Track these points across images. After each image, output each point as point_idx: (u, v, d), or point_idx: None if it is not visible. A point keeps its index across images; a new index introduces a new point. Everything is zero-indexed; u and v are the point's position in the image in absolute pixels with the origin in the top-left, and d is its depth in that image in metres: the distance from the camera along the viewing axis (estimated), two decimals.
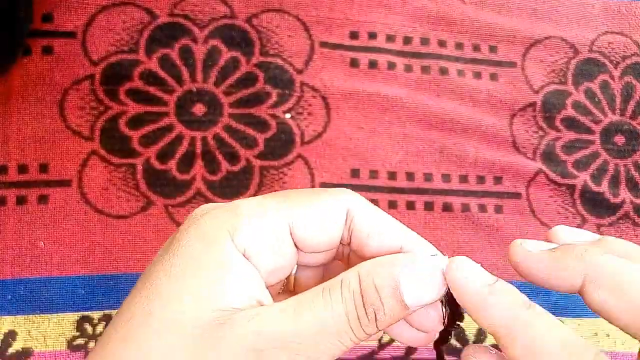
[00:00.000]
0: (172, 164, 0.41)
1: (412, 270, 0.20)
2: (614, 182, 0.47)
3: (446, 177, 0.45)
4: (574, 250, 0.20)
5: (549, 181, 0.46)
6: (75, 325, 0.38)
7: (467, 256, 0.20)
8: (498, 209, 0.45)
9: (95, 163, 0.41)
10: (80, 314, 0.39)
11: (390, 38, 0.46)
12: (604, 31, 0.50)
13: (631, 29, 0.50)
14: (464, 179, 0.45)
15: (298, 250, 0.23)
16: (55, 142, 0.41)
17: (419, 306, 0.20)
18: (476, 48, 0.48)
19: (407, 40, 0.47)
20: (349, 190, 0.23)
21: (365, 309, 0.19)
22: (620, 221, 0.46)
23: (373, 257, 0.21)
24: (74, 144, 0.41)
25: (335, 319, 0.19)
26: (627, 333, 0.19)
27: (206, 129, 0.42)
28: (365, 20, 0.46)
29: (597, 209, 0.46)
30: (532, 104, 0.47)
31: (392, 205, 0.44)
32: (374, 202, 0.43)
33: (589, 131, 0.47)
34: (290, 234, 0.22)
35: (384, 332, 0.22)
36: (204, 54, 0.43)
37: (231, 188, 0.42)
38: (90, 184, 0.40)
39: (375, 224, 0.22)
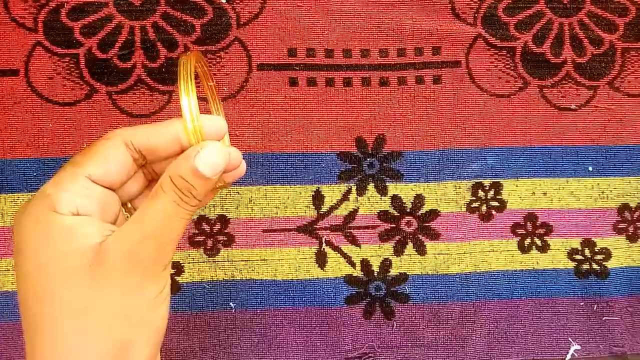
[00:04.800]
0: (112, 53, 0.43)
1: (202, 153, 0.27)
2: (557, 42, 0.44)
3: (384, 52, 0.44)
4: None
5: (488, 46, 0.44)
6: None
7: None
8: (437, 80, 0.44)
9: (40, 54, 0.43)
10: (32, 194, 0.42)
11: None
12: None
13: None
14: (401, 52, 0.44)
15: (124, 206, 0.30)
16: (1, 34, 0.43)
17: (217, 172, 0.27)
18: None
19: None
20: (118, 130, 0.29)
21: (182, 192, 0.26)
22: (563, 81, 0.45)
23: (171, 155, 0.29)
24: (19, 36, 0.43)
25: (170, 206, 0.26)
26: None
27: (144, 18, 0.43)
28: None
29: (539, 70, 0.44)
30: None
31: (329, 82, 0.44)
32: (312, 80, 0.44)
33: None
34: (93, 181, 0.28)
35: None
36: None
37: (170, 74, 0.43)
38: (36, 74, 0.43)
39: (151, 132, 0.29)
